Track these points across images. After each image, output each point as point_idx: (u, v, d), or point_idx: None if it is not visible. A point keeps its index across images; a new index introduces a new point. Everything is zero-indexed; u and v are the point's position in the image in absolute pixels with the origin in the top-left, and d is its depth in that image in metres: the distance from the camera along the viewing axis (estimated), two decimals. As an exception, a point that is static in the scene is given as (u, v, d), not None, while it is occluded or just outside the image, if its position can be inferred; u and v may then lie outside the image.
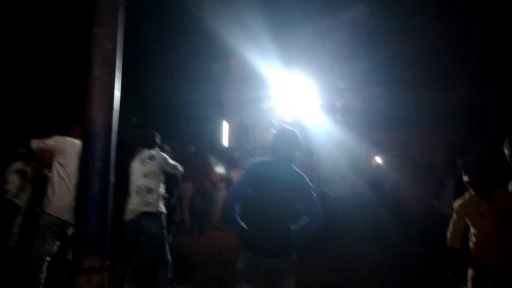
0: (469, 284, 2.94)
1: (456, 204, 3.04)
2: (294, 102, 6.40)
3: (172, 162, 4.17)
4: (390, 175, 7.58)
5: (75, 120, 3.63)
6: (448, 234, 3.01)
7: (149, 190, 3.86)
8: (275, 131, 6.12)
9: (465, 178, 2.88)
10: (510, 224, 2.77)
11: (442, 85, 8.69)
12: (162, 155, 4.12)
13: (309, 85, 6.43)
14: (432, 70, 8.74)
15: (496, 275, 2.78)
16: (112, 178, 1.49)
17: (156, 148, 4.16)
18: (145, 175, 3.91)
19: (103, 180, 1.45)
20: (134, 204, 3.84)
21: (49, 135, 3.51)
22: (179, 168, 4.25)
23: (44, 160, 3.72)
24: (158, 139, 4.25)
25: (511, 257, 2.77)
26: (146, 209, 3.83)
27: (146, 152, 4.05)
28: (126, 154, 7.53)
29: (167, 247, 3.91)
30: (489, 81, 8.50)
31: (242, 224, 2.59)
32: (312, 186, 2.70)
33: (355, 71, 6.94)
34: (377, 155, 7.97)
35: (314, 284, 5.03)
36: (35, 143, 3.46)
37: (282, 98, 6.50)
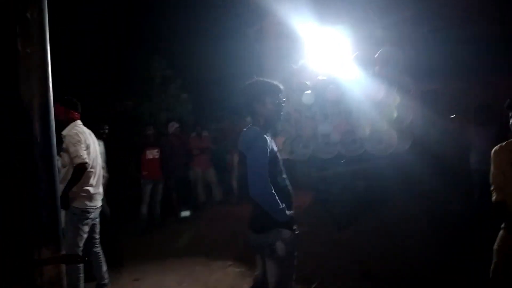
0: (496, 244, 2.58)
1: (492, 151, 2.61)
2: (328, 58, 5.93)
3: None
4: (440, 131, 6.92)
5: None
6: (491, 188, 2.61)
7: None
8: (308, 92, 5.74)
9: (511, 120, 2.41)
10: None
11: (497, 29, 7.62)
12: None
13: (344, 38, 5.90)
14: (484, 13, 7.67)
15: None
16: (56, 161, 1.36)
17: None
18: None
19: (47, 166, 1.33)
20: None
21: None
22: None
23: None
24: None
25: None
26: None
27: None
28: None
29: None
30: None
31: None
32: (246, 148, 2.32)
33: (397, 20, 6.25)
34: (424, 108, 7.29)
35: (354, 253, 4.79)
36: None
37: (316, 54, 6.05)
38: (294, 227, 2.37)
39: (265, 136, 2.33)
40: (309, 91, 5.75)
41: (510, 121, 2.41)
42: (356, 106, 5.70)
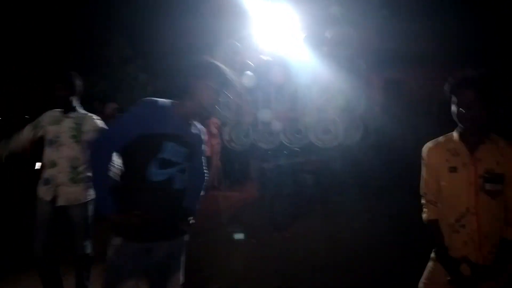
0: (423, 279, 1.88)
1: (425, 149, 1.89)
2: (275, 35, 5.25)
3: None
4: (394, 123, 6.35)
5: None
6: (422, 200, 1.94)
7: None
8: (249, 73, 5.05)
9: (454, 107, 1.72)
10: (495, 193, 1.65)
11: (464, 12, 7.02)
12: None
13: (293, 14, 5.22)
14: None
15: (462, 269, 1.70)
16: None
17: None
18: None
19: None
20: None
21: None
22: None
23: None
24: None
25: (490, 244, 1.67)
26: None
27: None
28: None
29: None
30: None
31: None
32: None
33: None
34: (379, 97, 6.71)
35: (283, 262, 4.16)
36: None
37: (262, 32, 5.35)
38: (133, 237, 1.74)
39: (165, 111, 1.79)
40: (250, 72, 5.06)
41: (452, 108, 1.76)
42: (302, 92, 5.06)
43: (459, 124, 1.75)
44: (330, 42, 4.99)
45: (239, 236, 4.62)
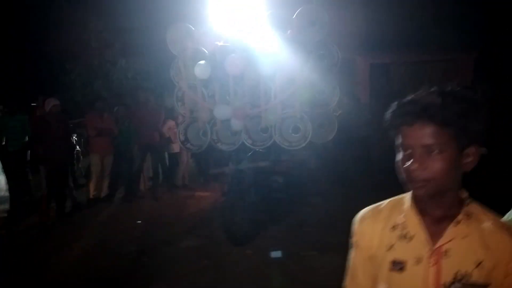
0: None
1: (356, 221, 1.05)
2: (234, 17, 4.46)
3: None
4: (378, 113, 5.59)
5: None
6: None
7: None
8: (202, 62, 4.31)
9: (399, 154, 0.90)
10: None
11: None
12: None
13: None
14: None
15: None
16: None
17: None
18: None
19: None
20: None
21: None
22: None
23: None
24: None
25: None
26: None
27: None
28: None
29: None
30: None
31: None
32: None
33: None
34: (357, 87, 5.92)
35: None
36: None
37: (218, 13, 4.56)
38: None
39: None
40: (203, 62, 4.30)
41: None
42: (265, 83, 4.30)
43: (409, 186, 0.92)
44: (297, 24, 4.21)
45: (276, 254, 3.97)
